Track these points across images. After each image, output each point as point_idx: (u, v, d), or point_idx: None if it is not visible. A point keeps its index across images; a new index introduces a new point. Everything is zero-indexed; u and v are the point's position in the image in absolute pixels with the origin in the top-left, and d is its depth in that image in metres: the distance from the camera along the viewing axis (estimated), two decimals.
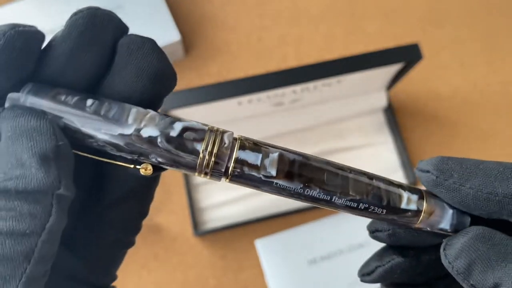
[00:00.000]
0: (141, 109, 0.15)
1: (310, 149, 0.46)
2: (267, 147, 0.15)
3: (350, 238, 0.43)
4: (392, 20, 0.51)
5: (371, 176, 0.16)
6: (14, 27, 0.13)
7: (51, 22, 0.46)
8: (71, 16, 0.15)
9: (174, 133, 0.15)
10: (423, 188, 0.17)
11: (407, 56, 0.37)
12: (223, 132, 0.15)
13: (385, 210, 0.16)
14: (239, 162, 0.15)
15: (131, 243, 0.19)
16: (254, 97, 0.38)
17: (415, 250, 0.18)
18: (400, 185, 0.16)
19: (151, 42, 0.15)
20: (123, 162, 0.16)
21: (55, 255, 0.14)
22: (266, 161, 0.15)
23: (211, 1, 0.51)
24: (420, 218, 0.16)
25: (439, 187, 0.15)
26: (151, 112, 0.15)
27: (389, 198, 0.16)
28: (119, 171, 0.17)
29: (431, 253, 0.18)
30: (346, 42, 0.50)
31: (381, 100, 0.46)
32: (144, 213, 0.19)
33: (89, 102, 0.15)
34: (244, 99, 0.38)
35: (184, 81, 0.47)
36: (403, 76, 0.41)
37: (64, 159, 0.14)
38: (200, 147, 0.15)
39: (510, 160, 0.47)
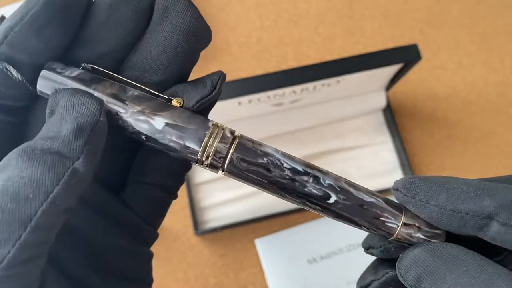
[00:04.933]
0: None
1: (309, 149, 0.46)
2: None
3: (349, 238, 0.43)
4: (391, 21, 0.51)
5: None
6: None
7: None
8: None
9: (159, 126, 0.17)
10: None
11: (406, 56, 0.37)
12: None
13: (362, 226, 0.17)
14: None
15: (175, 194, 0.20)
16: (254, 97, 0.38)
17: None
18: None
19: (185, 0, 0.17)
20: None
21: (58, 227, 0.15)
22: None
23: (211, 2, 0.51)
24: (396, 232, 0.17)
25: (408, 204, 0.16)
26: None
27: None
28: None
29: None
30: (345, 43, 0.50)
31: (380, 100, 0.46)
32: (188, 166, 0.20)
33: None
34: (244, 99, 0.38)
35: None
36: (402, 77, 0.42)
37: (96, 135, 0.15)
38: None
39: (508, 160, 0.47)
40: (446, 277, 0.15)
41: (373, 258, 0.19)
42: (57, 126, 0.15)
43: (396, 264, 0.17)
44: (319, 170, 0.17)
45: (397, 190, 0.17)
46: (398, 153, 0.47)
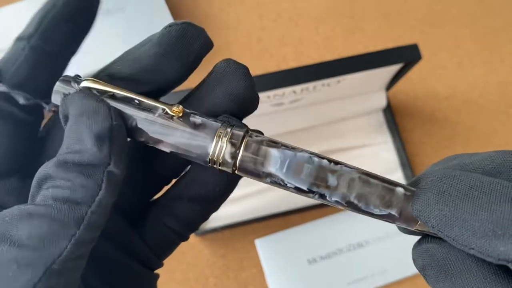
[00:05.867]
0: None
1: (310, 149, 0.46)
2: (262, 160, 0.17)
3: (349, 238, 0.43)
4: (391, 21, 0.51)
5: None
6: None
7: None
8: (166, 27, 0.17)
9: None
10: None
11: (406, 56, 0.37)
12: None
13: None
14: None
15: (186, 238, 0.21)
16: None
17: None
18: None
19: (244, 69, 0.18)
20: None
21: (103, 226, 0.16)
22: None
23: (211, 2, 0.51)
24: (416, 227, 0.16)
25: (421, 221, 0.16)
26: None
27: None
28: (194, 174, 0.19)
29: None
30: (345, 42, 0.50)
31: (381, 100, 0.46)
32: (205, 219, 0.21)
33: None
34: None
35: (184, 82, 0.47)
36: (402, 77, 0.42)
37: (116, 139, 0.16)
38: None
39: None
40: (446, 280, 0.15)
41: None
42: (78, 138, 0.16)
43: (412, 248, 0.17)
44: (327, 187, 0.16)
45: (412, 207, 0.16)
46: (399, 153, 0.47)
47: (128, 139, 0.18)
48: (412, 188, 0.16)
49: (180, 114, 0.17)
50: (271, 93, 0.38)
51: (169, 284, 0.43)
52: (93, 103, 0.16)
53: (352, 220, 0.43)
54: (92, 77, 0.17)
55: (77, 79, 0.17)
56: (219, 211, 0.44)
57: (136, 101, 0.17)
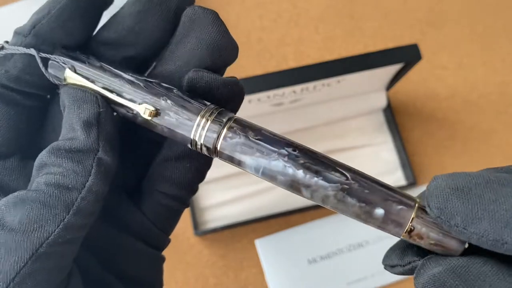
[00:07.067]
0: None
1: None
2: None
3: (349, 238, 0.43)
4: (391, 20, 0.51)
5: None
6: None
7: None
8: None
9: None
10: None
11: (406, 56, 0.37)
12: None
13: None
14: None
15: (186, 203, 0.21)
16: (254, 97, 0.38)
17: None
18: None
19: (213, 15, 0.17)
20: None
21: (96, 213, 0.17)
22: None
23: (211, 2, 0.51)
24: (402, 235, 0.15)
25: (442, 224, 0.14)
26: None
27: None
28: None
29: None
30: (345, 42, 0.50)
31: (381, 100, 0.46)
32: (200, 177, 0.20)
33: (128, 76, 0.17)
34: (244, 99, 0.38)
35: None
36: (402, 77, 0.42)
37: (104, 125, 0.16)
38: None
39: (509, 160, 0.47)
40: None
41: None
42: (70, 126, 0.16)
43: (414, 277, 0.15)
44: (302, 195, 0.16)
45: (429, 207, 0.14)
46: (399, 153, 0.47)
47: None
48: (410, 197, 0.15)
49: (153, 116, 0.17)
50: (271, 93, 0.38)
51: (169, 284, 0.43)
52: (81, 92, 0.17)
53: (352, 220, 0.43)
54: (82, 54, 0.17)
55: (64, 54, 0.18)
56: (219, 211, 0.44)
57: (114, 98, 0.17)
